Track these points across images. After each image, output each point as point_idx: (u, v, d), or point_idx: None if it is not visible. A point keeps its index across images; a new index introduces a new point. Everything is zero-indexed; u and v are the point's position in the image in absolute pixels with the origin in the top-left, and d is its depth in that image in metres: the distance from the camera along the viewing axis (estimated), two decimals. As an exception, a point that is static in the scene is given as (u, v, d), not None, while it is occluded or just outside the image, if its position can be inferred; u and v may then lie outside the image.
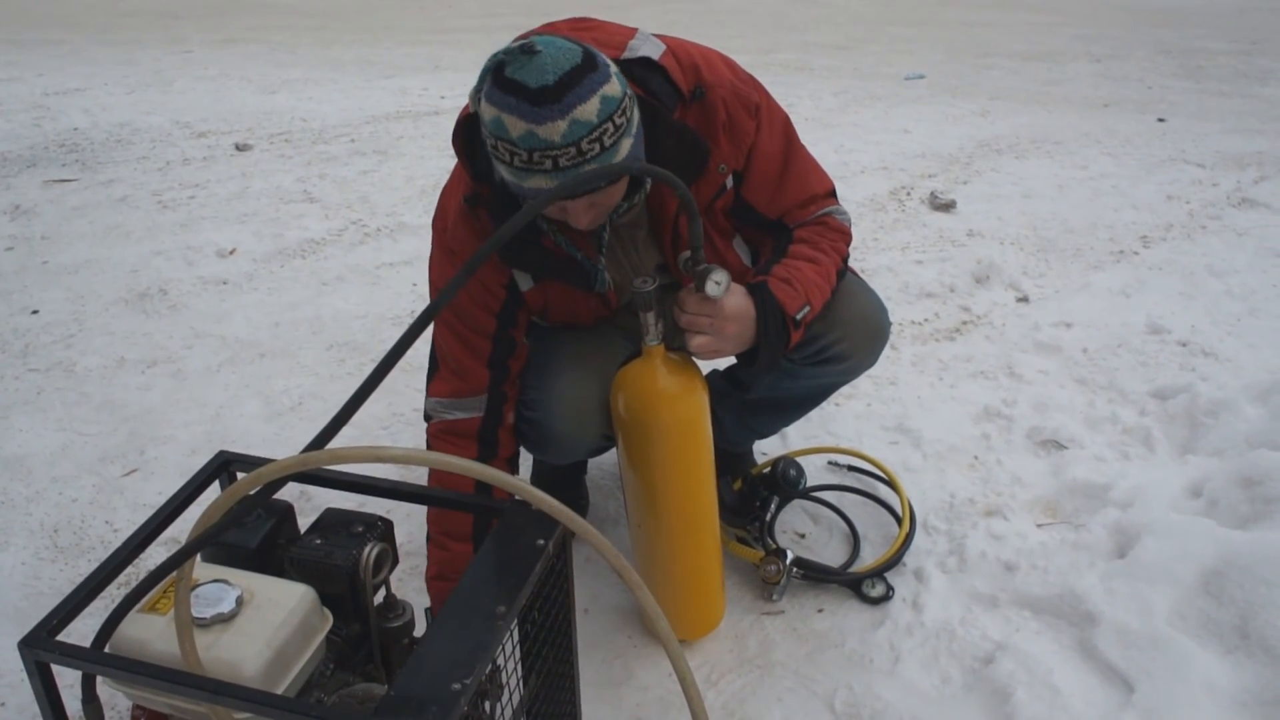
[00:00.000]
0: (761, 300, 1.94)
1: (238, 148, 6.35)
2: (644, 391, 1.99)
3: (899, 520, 2.62)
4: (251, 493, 1.33)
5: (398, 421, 3.17)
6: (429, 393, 2.15)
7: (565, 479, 2.70)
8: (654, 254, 2.13)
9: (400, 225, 4.94)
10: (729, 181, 2.03)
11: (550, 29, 1.85)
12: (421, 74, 8.71)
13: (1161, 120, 6.88)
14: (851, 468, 2.85)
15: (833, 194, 2.19)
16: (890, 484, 2.71)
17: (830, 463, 2.88)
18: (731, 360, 2.12)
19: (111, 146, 6.46)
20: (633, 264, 2.12)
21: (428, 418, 2.16)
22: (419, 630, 1.74)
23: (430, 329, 2.15)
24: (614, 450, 2.19)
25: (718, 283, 1.84)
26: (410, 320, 1.76)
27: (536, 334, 2.25)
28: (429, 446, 2.13)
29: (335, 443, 1.37)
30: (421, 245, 4.55)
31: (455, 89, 7.84)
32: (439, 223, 2.10)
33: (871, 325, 2.24)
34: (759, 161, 2.04)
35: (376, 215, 5.11)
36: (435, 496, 1.72)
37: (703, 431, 2.06)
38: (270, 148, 6.38)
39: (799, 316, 1.98)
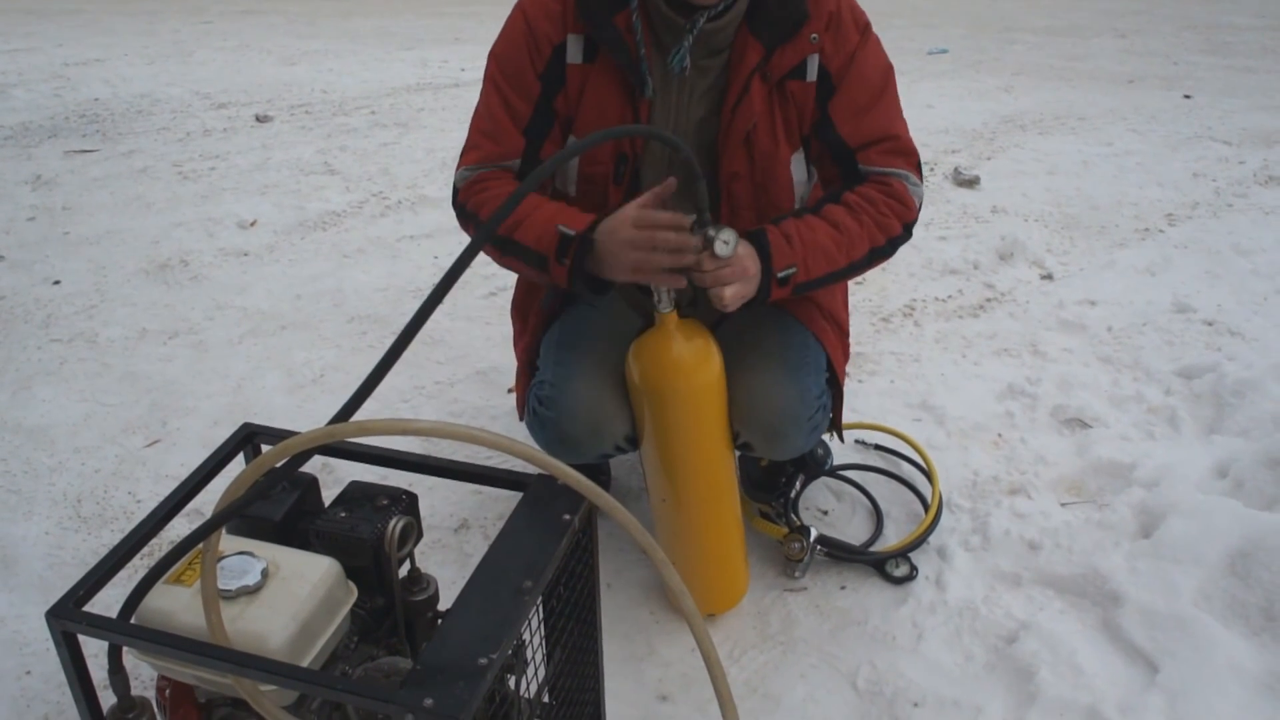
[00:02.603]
0: (758, 245, 1.92)
1: (258, 119, 6.35)
2: (659, 360, 1.96)
3: (924, 501, 2.61)
4: (277, 465, 1.33)
5: (419, 395, 3.17)
6: (458, 166, 2.12)
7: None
8: (703, 107, 2.08)
9: (421, 198, 4.94)
10: (813, 69, 2.03)
11: None
12: (442, 46, 8.69)
13: (1187, 97, 6.82)
14: (879, 446, 2.84)
15: (917, 165, 2.14)
16: (926, 471, 2.69)
17: (857, 441, 2.87)
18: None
19: (132, 117, 6.46)
20: (679, 105, 2.08)
21: (455, 191, 2.11)
22: (443, 602, 1.73)
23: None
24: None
25: (726, 242, 1.81)
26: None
27: (556, 323, 2.22)
28: (461, 207, 2.10)
29: (361, 417, 1.36)
30: (443, 218, 4.55)
31: (476, 61, 7.76)
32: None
33: (769, 428, 2.08)
34: (854, 80, 2.04)
35: (397, 188, 5.10)
36: (461, 470, 1.71)
37: (719, 398, 2.03)
38: (291, 119, 6.37)
39: (782, 275, 1.93)
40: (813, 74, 2.03)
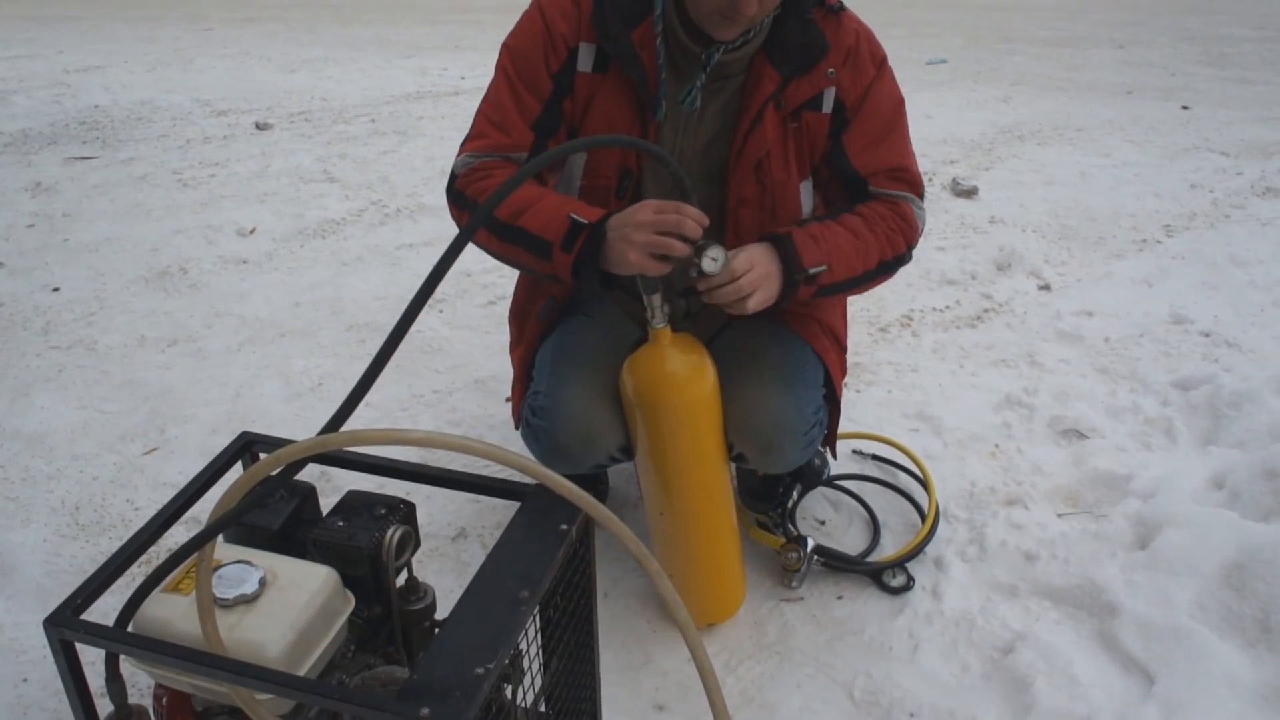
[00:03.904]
0: (781, 247, 1.92)
1: (258, 126, 6.36)
2: (653, 374, 1.97)
3: (921, 511, 2.61)
4: (272, 474, 1.33)
5: (417, 403, 3.17)
6: (459, 153, 2.09)
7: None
8: (711, 129, 2.08)
9: (420, 206, 4.94)
10: (829, 100, 2.04)
11: None
12: (442, 54, 8.70)
13: (1185, 108, 6.83)
14: (876, 456, 2.84)
15: (921, 194, 2.17)
16: (923, 481, 2.70)
17: (854, 451, 2.87)
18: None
19: (132, 124, 6.47)
20: (688, 125, 2.08)
21: (453, 177, 2.08)
22: (440, 612, 1.74)
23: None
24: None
25: (714, 259, 1.81)
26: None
27: (554, 334, 2.22)
28: (459, 194, 2.05)
29: (357, 424, 1.37)
30: (442, 227, 4.56)
31: (476, 69, 7.83)
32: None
33: (764, 441, 2.09)
34: (868, 113, 2.06)
35: (397, 196, 5.11)
36: (459, 480, 1.72)
37: (713, 412, 2.04)
38: (290, 127, 6.38)
39: (813, 271, 1.93)
40: (828, 106, 2.05)
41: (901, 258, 2.11)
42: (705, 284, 1.85)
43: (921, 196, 2.16)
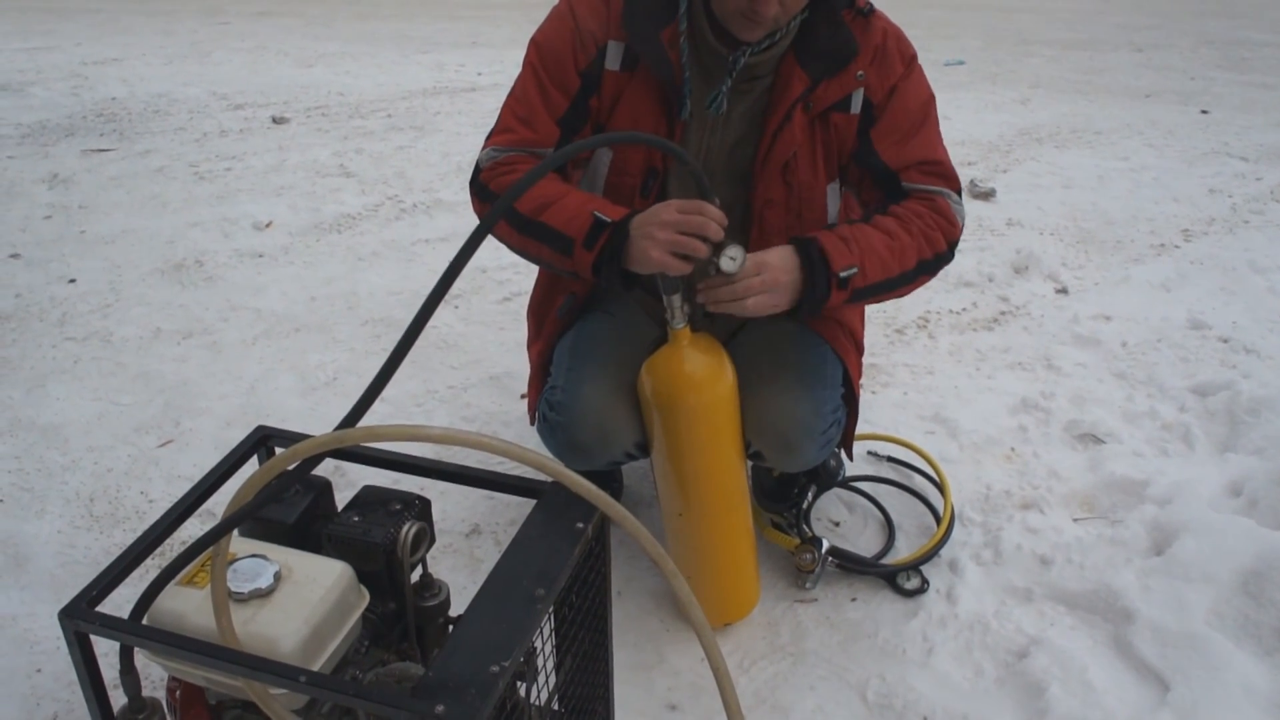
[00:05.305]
0: (806, 251, 1.90)
1: (274, 121, 6.37)
2: (671, 375, 1.96)
3: (936, 514, 2.60)
4: (288, 468, 1.33)
5: (432, 399, 3.17)
6: (485, 146, 2.09)
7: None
8: (739, 130, 2.08)
9: (436, 202, 4.94)
10: (857, 101, 2.03)
11: None
12: (459, 50, 8.71)
13: (1204, 112, 6.81)
14: (891, 458, 2.83)
15: (959, 189, 2.14)
16: (938, 484, 2.69)
17: (870, 452, 2.86)
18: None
19: (149, 117, 6.49)
20: (715, 126, 2.07)
21: (477, 170, 2.07)
22: (456, 608, 1.73)
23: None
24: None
25: (732, 258, 1.81)
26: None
27: (573, 330, 2.22)
28: (483, 187, 2.05)
29: (372, 420, 1.36)
30: (458, 222, 4.56)
31: (493, 65, 7.83)
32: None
33: (782, 439, 2.07)
34: (897, 108, 2.04)
35: (413, 191, 5.11)
36: (474, 476, 1.71)
37: (731, 412, 2.03)
38: (307, 121, 6.39)
39: (844, 275, 1.91)
40: (857, 106, 2.04)
41: (942, 256, 2.09)
42: (706, 283, 1.86)
43: (959, 192, 2.13)
